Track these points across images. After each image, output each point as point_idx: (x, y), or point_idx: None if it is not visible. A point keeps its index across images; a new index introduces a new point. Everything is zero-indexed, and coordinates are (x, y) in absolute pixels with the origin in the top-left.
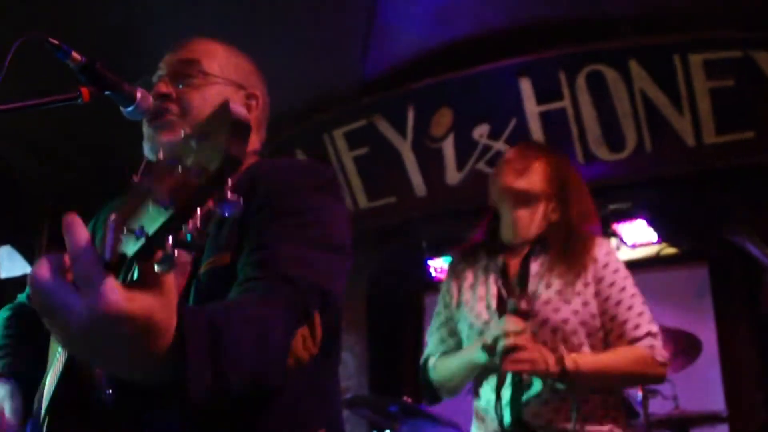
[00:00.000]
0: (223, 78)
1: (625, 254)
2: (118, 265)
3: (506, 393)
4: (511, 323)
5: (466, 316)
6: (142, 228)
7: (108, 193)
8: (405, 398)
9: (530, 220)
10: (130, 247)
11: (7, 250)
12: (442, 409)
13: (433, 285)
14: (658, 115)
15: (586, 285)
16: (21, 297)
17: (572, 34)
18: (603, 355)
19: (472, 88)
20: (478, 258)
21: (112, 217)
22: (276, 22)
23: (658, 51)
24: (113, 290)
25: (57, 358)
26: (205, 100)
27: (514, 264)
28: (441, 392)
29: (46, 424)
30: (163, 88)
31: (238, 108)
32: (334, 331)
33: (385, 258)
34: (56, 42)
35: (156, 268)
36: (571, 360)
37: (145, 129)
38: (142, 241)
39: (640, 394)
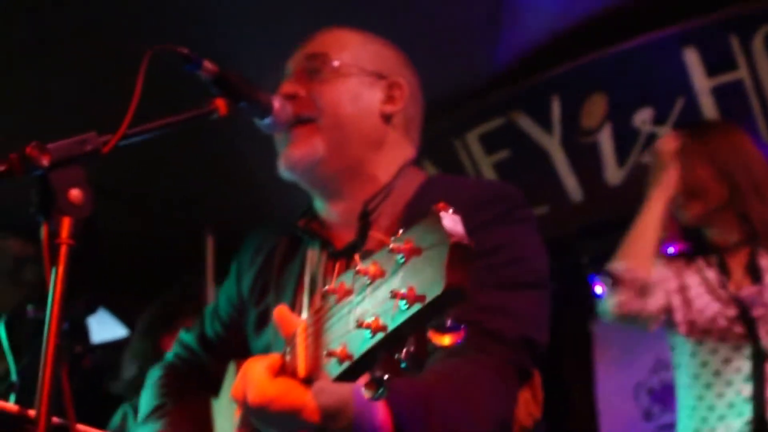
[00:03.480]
0: (357, 68)
1: None
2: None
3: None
4: None
5: None
6: (344, 348)
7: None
8: None
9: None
10: (331, 368)
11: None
12: None
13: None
14: None
15: None
16: (169, 356)
17: None
18: None
19: (626, 66)
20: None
21: (301, 325)
22: (387, 15)
23: None
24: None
25: None
26: (340, 95)
27: (736, 262)
28: None
29: None
30: (288, 88)
31: (453, 223)
32: (542, 401)
33: None
34: (185, 52)
35: (364, 392)
36: None
37: (278, 144)
38: (346, 365)
39: None
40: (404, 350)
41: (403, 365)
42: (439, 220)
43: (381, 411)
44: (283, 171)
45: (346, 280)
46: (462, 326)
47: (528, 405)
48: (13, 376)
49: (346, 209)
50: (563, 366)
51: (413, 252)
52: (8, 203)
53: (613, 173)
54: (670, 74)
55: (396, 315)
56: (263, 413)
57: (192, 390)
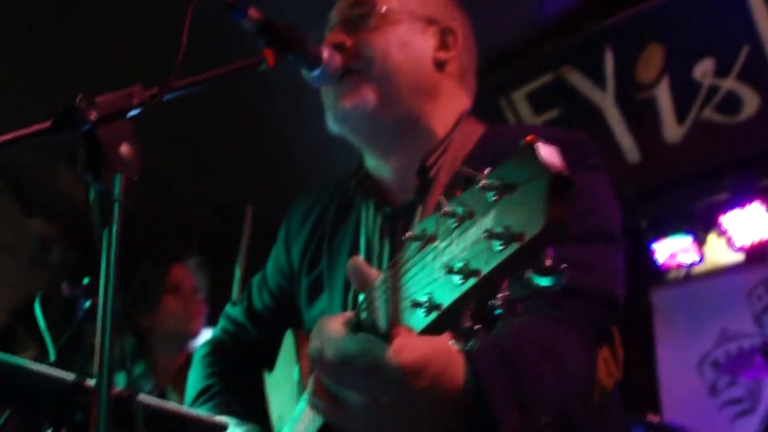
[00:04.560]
0: (406, 14)
1: None
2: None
3: None
4: None
5: None
6: (430, 298)
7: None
8: (650, 416)
9: None
10: (416, 319)
11: None
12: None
13: (660, 276)
14: None
15: None
16: (215, 332)
17: None
18: None
19: (685, 13)
20: None
21: (379, 278)
22: None
23: None
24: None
25: (302, 419)
26: (389, 43)
27: None
28: None
29: None
30: (335, 37)
31: (550, 154)
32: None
33: None
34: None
35: (453, 344)
36: None
37: (326, 96)
38: (434, 315)
39: None
40: (498, 295)
41: (497, 311)
42: (534, 152)
43: (463, 369)
44: (333, 125)
45: (429, 225)
46: (563, 266)
47: (608, 365)
48: (52, 357)
49: (402, 165)
50: (620, 339)
51: (506, 189)
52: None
53: (673, 131)
54: (732, 21)
55: (490, 258)
56: (344, 373)
57: (241, 366)
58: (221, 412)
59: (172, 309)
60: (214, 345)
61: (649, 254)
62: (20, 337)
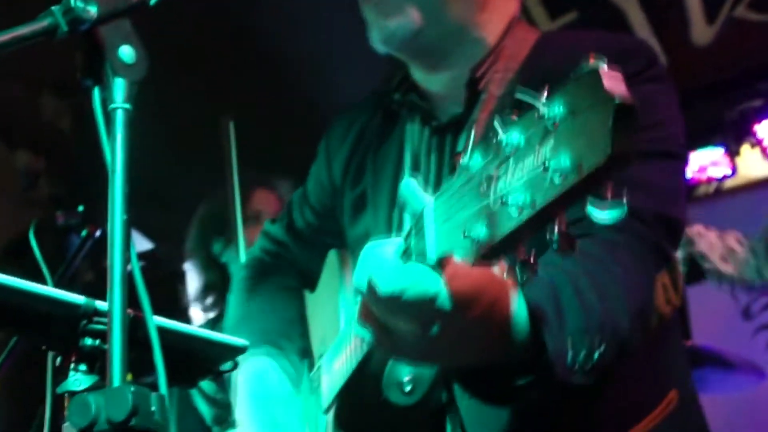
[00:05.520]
0: None
1: None
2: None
3: None
4: None
5: None
6: (480, 229)
7: None
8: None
9: None
10: (468, 250)
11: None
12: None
13: (689, 191)
14: None
15: None
16: (254, 250)
17: None
18: None
19: None
20: None
21: (430, 203)
22: None
23: None
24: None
25: (346, 345)
26: None
27: None
28: None
29: (333, 411)
30: None
31: (615, 81)
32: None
33: None
34: None
35: (506, 276)
36: None
37: (367, 13)
38: (487, 246)
39: None
40: (554, 228)
41: (554, 246)
42: (598, 77)
43: (513, 301)
44: (378, 44)
45: (482, 151)
46: (624, 199)
47: (667, 291)
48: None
49: (451, 78)
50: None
51: (566, 116)
52: None
53: (701, 32)
54: None
55: (548, 188)
56: (394, 303)
57: (282, 287)
58: (259, 338)
59: (251, 240)
60: (253, 266)
61: None
62: (12, 275)
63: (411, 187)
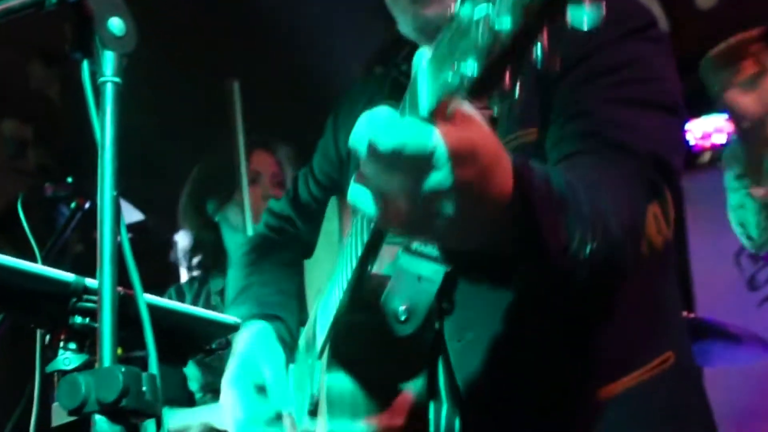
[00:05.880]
0: None
1: None
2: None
3: None
4: None
5: None
6: (468, 62)
7: None
8: (684, 313)
9: None
10: (455, 90)
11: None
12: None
13: (692, 158)
14: None
15: None
16: (259, 227)
17: None
18: None
19: None
20: None
21: (425, 59)
22: None
23: None
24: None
25: (333, 287)
26: None
27: None
28: None
29: (328, 350)
30: None
31: None
32: (674, 222)
33: None
34: None
35: (490, 104)
36: None
37: (396, 1)
38: (472, 76)
39: None
40: (539, 47)
41: (538, 65)
42: None
43: (510, 174)
44: (410, 32)
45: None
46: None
47: (657, 220)
48: (39, 262)
49: None
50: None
51: None
52: None
53: None
54: None
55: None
56: (394, 160)
57: (285, 260)
58: (258, 308)
59: (245, 201)
60: (255, 241)
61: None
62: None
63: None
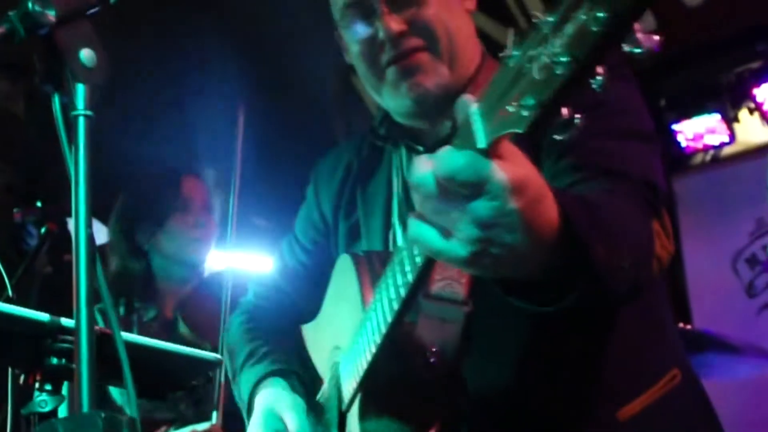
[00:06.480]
0: None
1: None
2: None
3: None
4: None
5: None
6: (528, 99)
7: None
8: (681, 325)
9: None
10: (514, 125)
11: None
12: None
13: (684, 161)
14: None
15: None
16: (249, 299)
17: None
18: None
19: None
20: None
21: (473, 104)
22: None
23: None
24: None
25: (359, 340)
26: (440, 13)
27: None
28: None
29: (359, 400)
30: (394, 25)
31: None
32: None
33: None
34: None
35: (555, 137)
36: None
37: (390, 74)
38: (534, 112)
39: None
40: (597, 76)
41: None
42: None
43: (555, 204)
44: (405, 105)
45: (521, 44)
46: (655, 32)
47: (660, 236)
48: (9, 291)
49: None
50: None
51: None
52: None
53: None
54: None
55: (587, 39)
56: (451, 188)
57: (281, 325)
58: (279, 370)
59: (177, 228)
60: (248, 310)
61: (670, 136)
62: None
63: (465, 98)
